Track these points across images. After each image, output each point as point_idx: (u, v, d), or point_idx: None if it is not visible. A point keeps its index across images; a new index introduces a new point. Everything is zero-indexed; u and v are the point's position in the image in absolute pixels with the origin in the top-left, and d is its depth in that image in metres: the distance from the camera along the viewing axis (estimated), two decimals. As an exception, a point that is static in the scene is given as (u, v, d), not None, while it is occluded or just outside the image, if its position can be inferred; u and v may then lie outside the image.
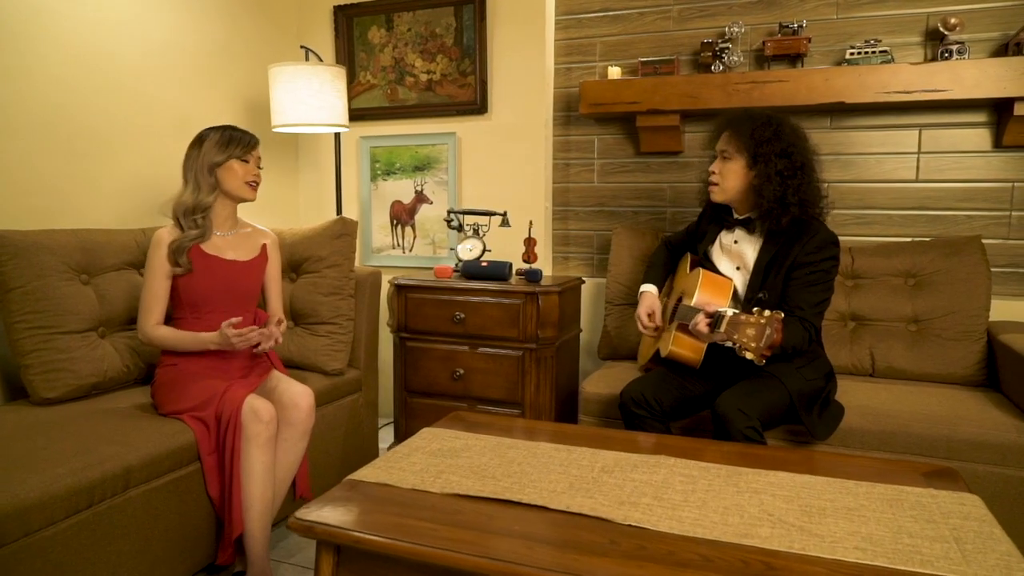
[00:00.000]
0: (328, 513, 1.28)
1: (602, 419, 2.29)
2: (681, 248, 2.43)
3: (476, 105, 3.09)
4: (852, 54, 2.57)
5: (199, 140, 2.07)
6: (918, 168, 2.65)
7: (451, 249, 2.87)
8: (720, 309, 1.85)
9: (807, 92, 2.57)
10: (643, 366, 2.39)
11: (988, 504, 1.62)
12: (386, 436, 2.95)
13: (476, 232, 2.80)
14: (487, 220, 2.82)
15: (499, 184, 3.09)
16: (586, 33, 3.05)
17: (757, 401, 1.89)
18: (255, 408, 1.85)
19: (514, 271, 2.69)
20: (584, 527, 1.25)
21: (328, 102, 2.68)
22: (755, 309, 1.72)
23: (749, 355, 1.69)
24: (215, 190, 2.05)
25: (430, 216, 3.24)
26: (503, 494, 1.37)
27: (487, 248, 2.77)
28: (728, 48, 2.72)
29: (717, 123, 2.17)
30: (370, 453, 2.65)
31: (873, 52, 2.55)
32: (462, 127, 3.13)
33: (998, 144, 2.54)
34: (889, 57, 2.53)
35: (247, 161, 2.06)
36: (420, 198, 3.25)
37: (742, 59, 2.73)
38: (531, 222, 2.84)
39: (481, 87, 3.06)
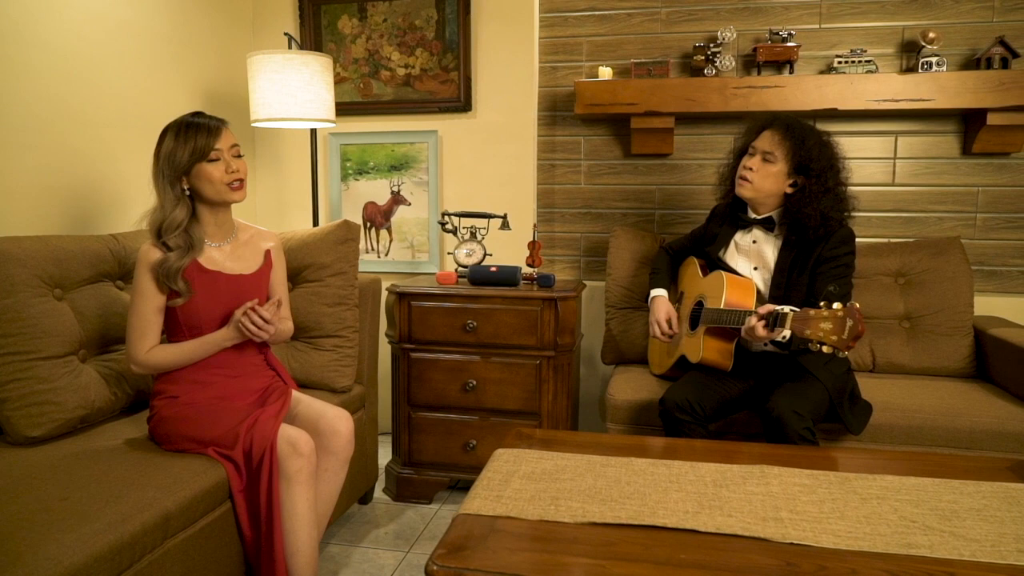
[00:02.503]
0: (479, 557, 1.15)
1: (631, 426, 2.25)
2: (683, 253, 2.44)
3: (460, 102, 2.95)
4: (839, 62, 2.68)
5: (160, 140, 1.76)
6: (894, 172, 2.80)
7: (449, 253, 2.73)
8: (776, 308, 1.85)
9: (801, 98, 2.65)
10: (664, 373, 2.37)
11: None
12: (383, 453, 2.76)
13: (473, 236, 2.68)
14: (485, 223, 2.70)
15: (484, 185, 2.97)
16: (572, 32, 2.99)
17: (807, 401, 1.91)
18: (292, 441, 1.65)
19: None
20: (747, 550, 1.19)
21: (318, 95, 2.46)
22: (822, 303, 1.74)
23: (827, 348, 1.70)
24: (181, 203, 1.75)
25: (408, 218, 3.07)
26: (641, 519, 1.29)
27: (488, 252, 2.65)
28: (719, 53, 2.76)
29: (758, 120, 2.17)
30: (371, 472, 2.46)
31: (859, 61, 2.66)
32: (444, 125, 2.99)
33: (966, 151, 2.73)
34: (874, 67, 2.65)
35: (216, 159, 1.74)
36: (397, 199, 3.08)
37: (733, 64, 2.77)
38: (535, 225, 2.75)
39: (465, 84, 2.94)
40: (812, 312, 1.74)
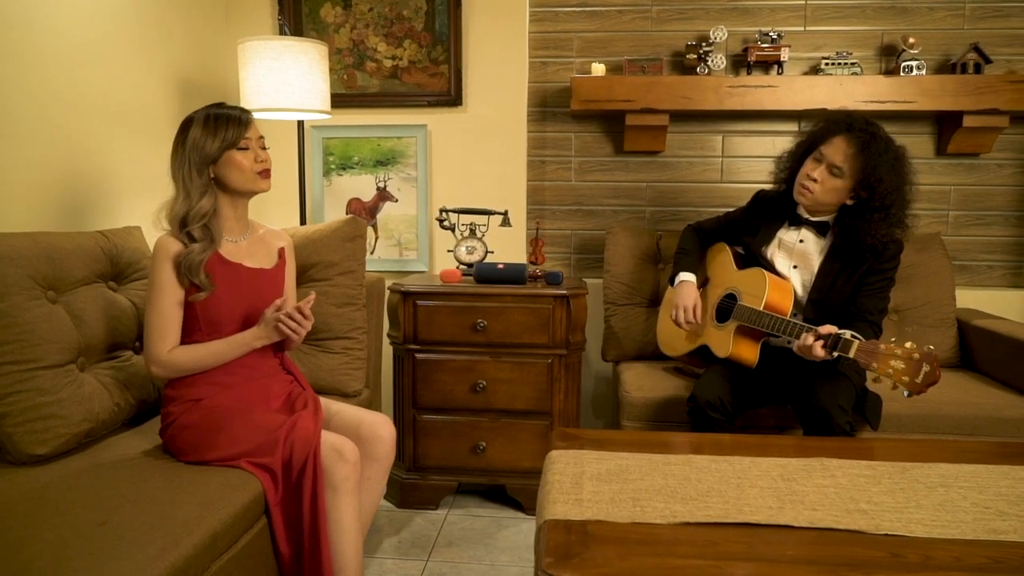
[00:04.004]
0: (592, 564, 1.10)
1: (647, 423, 2.24)
2: (714, 236, 2.36)
3: (450, 96, 2.88)
4: (827, 64, 2.76)
5: (182, 130, 1.68)
6: (874, 172, 2.90)
7: (449, 251, 2.65)
8: (837, 332, 1.83)
9: (792, 97, 2.71)
10: (679, 359, 2.35)
11: None
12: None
13: (473, 232, 2.61)
14: (485, 219, 2.64)
15: (475, 181, 2.91)
16: (562, 27, 2.97)
17: (847, 394, 1.94)
18: (338, 448, 1.55)
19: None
20: (847, 542, 1.20)
21: (315, 85, 2.34)
22: (892, 340, 1.75)
23: (891, 386, 1.72)
24: (208, 193, 1.66)
25: (395, 215, 2.97)
26: (732, 517, 1.27)
27: (489, 250, 2.59)
28: (711, 52, 2.79)
29: (832, 121, 2.03)
30: (376, 481, 2.36)
31: (845, 63, 2.75)
32: (434, 119, 2.90)
33: (940, 152, 2.87)
34: (858, 69, 2.75)
35: (246, 147, 1.68)
36: (383, 195, 2.97)
37: (724, 63, 2.81)
38: (538, 222, 2.70)
39: (456, 77, 2.86)
40: (883, 346, 1.74)
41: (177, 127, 1.68)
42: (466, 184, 2.91)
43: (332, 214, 2.98)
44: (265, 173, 1.70)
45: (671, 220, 3.00)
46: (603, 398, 3.06)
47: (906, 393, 1.73)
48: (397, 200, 2.96)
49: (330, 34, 2.90)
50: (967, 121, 2.68)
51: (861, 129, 1.97)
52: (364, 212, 2.98)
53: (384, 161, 2.95)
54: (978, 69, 2.70)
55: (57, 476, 1.48)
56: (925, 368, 1.69)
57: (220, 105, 1.68)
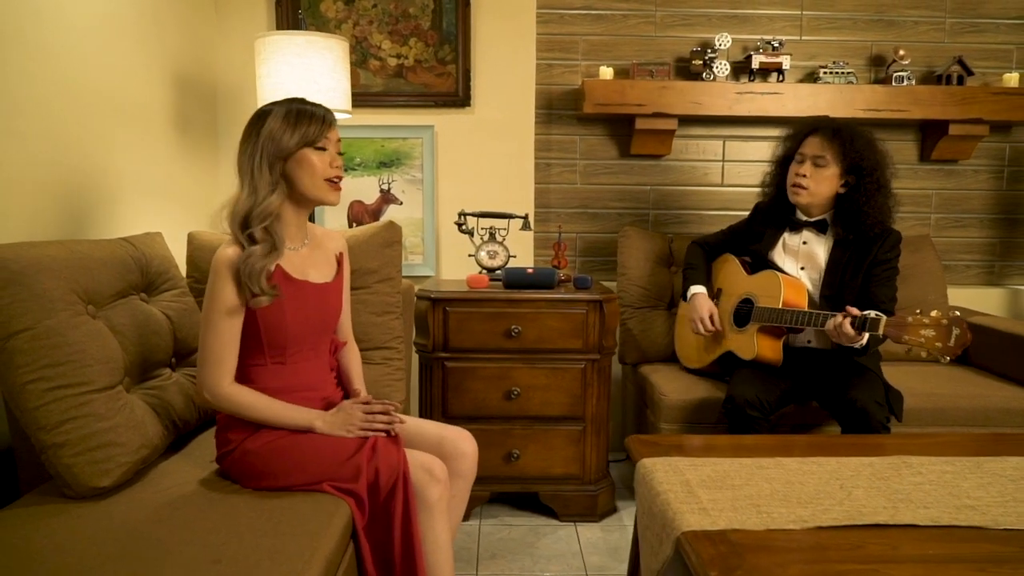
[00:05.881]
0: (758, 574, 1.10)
1: (684, 424, 2.27)
2: (719, 249, 2.48)
3: (458, 97, 2.81)
4: (824, 72, 2.87)
5: (257, 120, 1.54)
6: (863, 176, 3.04)
7: (470, 255, 2.58)
8: (862, 313, 1.93)
9: (797, 104, 2.80)
10: (703, 368, 2.41)
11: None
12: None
13: (493, 236, 2.56)
14: (505, 223, 2.59)
15: (483, 184, 2.85)
16: (568, 30, 2.96)
17: (880, 390, 2.03)
18: (428, 468, 1.49)
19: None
20: (976, 538, 1.24)
21: (339, 83, 2.23)
22: (918, 311, 1.84)
23: (924, 354, 1.80)
24: (277, 191, 1.52)
25: (399, 218, 2.87)
26: (861, 519, 1.30)
27: (512, 254, 2.55)
28: (716, 58, 2.85)
29: (801, 126, 2.21)
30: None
31: (841, 72, 2.87)
32: (441, 120, 2.83)
33: (924, 158, 3.03)
34: (853, 78, 2.87)
35: (323, 148, 1.55)
36: (387, 198, 2.87)
37: (728, 69, 2.87)
38: (560, 226, 2.68)
39: (464, 77, 2.80)
40: (910, 318, 1.83)
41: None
42: (473, 186, 2.85)
43: (333, 217, 2.86)
44: (336, 184, 1.57)
45: (674, 223, 3.05)
46: (614, 400, 3.06)
47: (945, 359, 1.80)
48: (401, 203, 2.88)
49: (331, 30, 2.78)
50: (952, 129, 2.85)
51: (827, 125, 2.16)
52: (367, 215, 2.88)
53: (388, 163, 2.86)
54: (960, 81, 2.87)
55: (131, 510, 1.35)
56: (956, 331, 1.77)
57: (302, 100, 1.55)
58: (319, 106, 1.55)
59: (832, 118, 2.22)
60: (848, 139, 2.12)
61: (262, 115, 1.53)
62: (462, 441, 1.63)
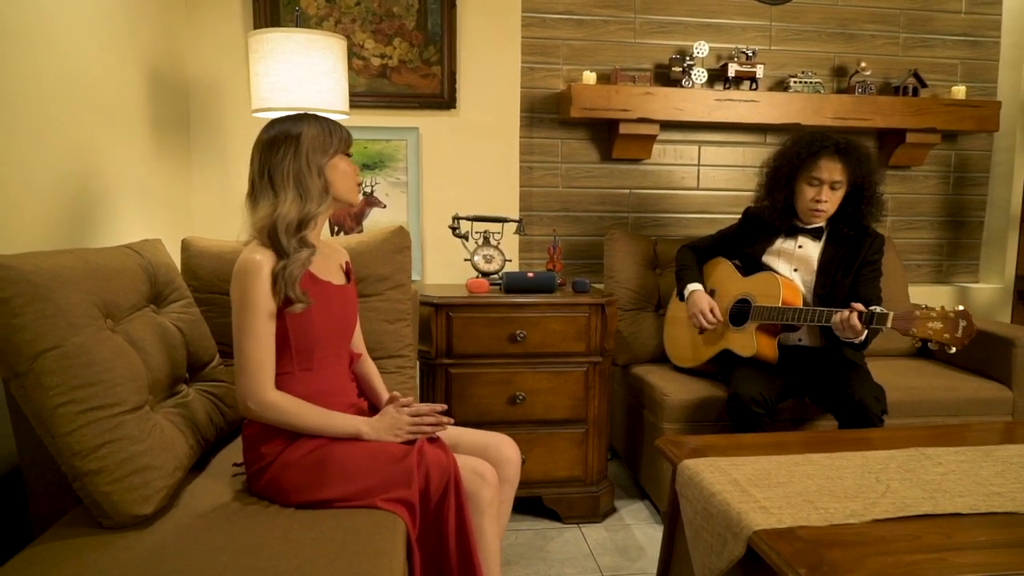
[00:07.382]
0: (841, 572, 1.14)
1: (686, 424, 2.32)
2: (711, 252, 2.55)
3: (443, 99, 2.78)
4: (795, 82, 3.00)
5: (291, 130, 1.52)
6: (827, 181, 3.20)
7: (466, 260, 2.55)
8: (871, 308, 2.02)
9: (772, 112, 2.92)
10: (698, 368, 2.47)
11: None
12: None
13: (487, 241, 2.55)
14: (499, 227, 2.58)
15: (468, 187, 2.83)
16: (550, 34, 2.97)
17: (876, 387, 2.14)
18: (479, 472, 1.48)
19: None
20: (1014, 524, 1.33)
21: (338, 83, 2.17)
22: (924, 305, 1.95)
23: (933, 345, 1.91)
24: (325, 196, 1.54)
25: (383, 221, 2.81)
26: (910, 510, 1.36)
27: (507, 258, 2.54)
28: (694, 65, 2.93)
29: (807, 145, 2.23)
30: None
31: (809, 81, 3.01)
32: (426, 122, 2.79)
33: (882, 164, 3.21)
34: (821, 87, 3.01)
35: (351, 155, 1.62)
36: (370, 201, 2.81)
37: (706, 77, 2.96)
38: (555, 230, 2.68)
39: (450, 79, 2.77)
40: (918, 312, 1.94)
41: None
42: (458, 189, 2.83)
43: (315, 221, 2.77)
44: (361, 184, 1.61)
45: (652, 226, 3.11)
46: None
47: (952, 349, 1.91)
48: (385, 206, 2.82)
49: (311, 27, 2.69)
50: (909, 138, 3.04)
51: (835, 143, 2.21)
52: (349, 219, 2.80)
53: (371, 165, 2.79)
54: (916, 92, 3.06)
55: (180, 538, 1.26)
56: (963, 323, 1.89)
57: (314, 114, 1.59)
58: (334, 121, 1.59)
59: (831, 136, 2.25)
60: (856, 158, 2.22)
61: (293, 125, 1.52)
62: (506, 447, 1.63)
